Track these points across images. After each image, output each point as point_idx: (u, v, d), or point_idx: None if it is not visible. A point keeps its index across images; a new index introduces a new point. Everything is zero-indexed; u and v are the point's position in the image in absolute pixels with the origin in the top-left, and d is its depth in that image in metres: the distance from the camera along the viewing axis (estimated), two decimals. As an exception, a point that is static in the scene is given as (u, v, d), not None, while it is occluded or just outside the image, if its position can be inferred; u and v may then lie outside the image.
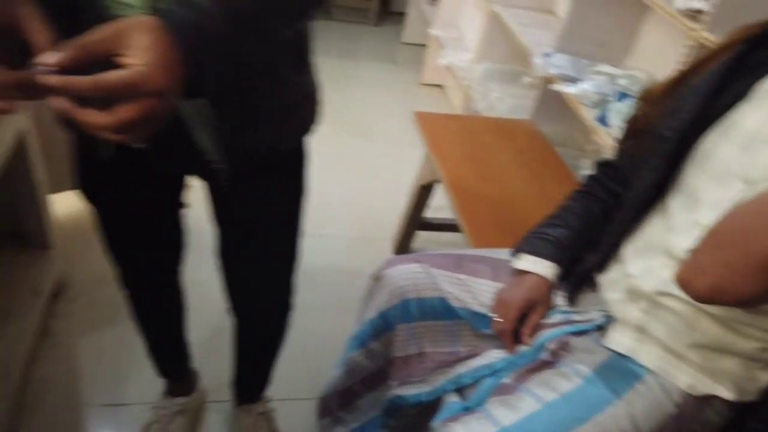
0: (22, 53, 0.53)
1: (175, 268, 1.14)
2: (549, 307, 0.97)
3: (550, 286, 0.97)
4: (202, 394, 1.43)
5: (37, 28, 0.52)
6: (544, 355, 0.91)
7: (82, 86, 0.49)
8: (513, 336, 0.96)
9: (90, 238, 1.80)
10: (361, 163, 2.51)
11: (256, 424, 1.36)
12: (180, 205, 1.03)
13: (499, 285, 1.03)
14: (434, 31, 2.94)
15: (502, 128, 1.73)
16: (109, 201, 0.96)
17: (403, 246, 2.00)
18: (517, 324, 0.96)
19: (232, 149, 0.80)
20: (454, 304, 1.03)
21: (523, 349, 0.95)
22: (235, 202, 0.95)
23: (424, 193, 1.82)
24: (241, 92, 0.76)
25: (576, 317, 0.93)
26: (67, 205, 1.82)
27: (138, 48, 0.50)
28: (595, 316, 0.91)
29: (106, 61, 0.51)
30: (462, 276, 1.06)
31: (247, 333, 1.23)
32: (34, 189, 1.36)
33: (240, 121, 0.79)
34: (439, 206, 2.04)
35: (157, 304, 1.21)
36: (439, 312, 1.04)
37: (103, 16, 0.62)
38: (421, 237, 2.04)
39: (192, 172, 0.93)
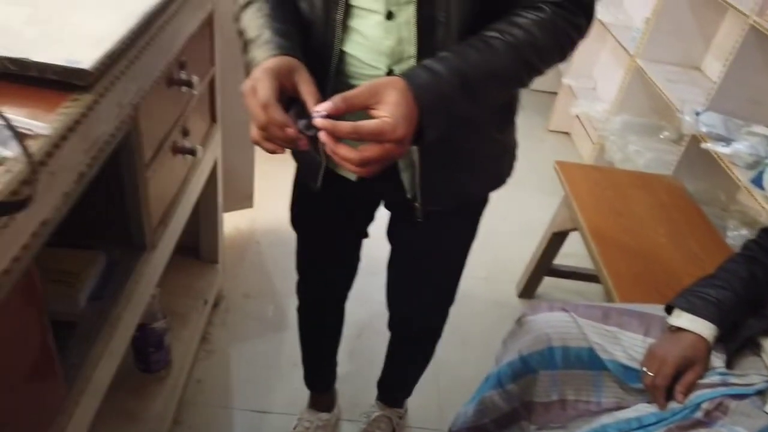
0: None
1: (346, 293, 1.27)
2: (706, 368, 0.96)
3: (708, 347, 0.96)
4: (340, 411, 1.54)
5: (308, 89, 0.68)
6: (698, 415, 0.91)
7: (343, 129, 0.64)
8: (665, 393, 0.97)
9: (242, 256, 2.00)
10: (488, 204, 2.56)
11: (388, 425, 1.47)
12: (365, 235, 1.15)
13: (650, 340, 1.04)
14: (567, 80, 2.96)
15: (645, 182, 1.72)
16: (310, 226, 1.13)
17: (528, 290, 2.02)
18: (671, 381, 0.96)
19: (433, 192, 0.90)
20: (602, 355, 1.04)
21: (674, 406, 0.95)
22: (417, 234, 1.04)
23: (556, 240, 1.84)
24: (451, 144, 0.85)
25: (735, 380, 0.92)
26: (226, 224, 2.05)
27: (388, 103, 0.64)
28: (756, 381, 0.90)
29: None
30: (610, 328, 1.07)
31: (399, 346, 1.33)
32: (215, 209, 1.56)
33: (444, 169, 0.89)
34: (564, 253, 2.04)
35: (323, 322, 1.34)
36: (585, 362, 1.06)
37: (347, 83, 0.79)
38: (544, 283, 2.05)
39: (388, 206, 1.05)
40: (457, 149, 0.88)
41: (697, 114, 1.74)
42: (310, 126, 0.66)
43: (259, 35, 0.75)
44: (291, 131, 0.66)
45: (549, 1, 0.75)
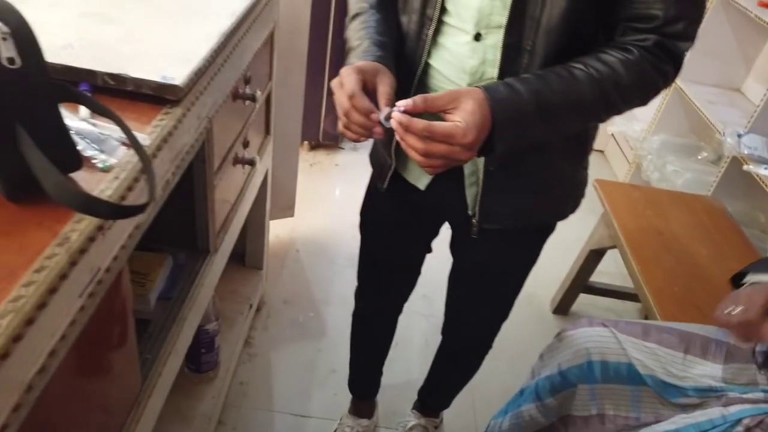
0: None
1: (402, 305, 1.32)
2: None
3: None
4: (377, 418, 1.58)
5: (384, 89, 0.74)
6: (739, 429, 0.93)
7: (418, 126, 0.68)
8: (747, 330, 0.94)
9: (282, 263, 2.06)
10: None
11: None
12: (428, 249, 1.20)
13: (690, 358, 1.06)
14: (603, 99, 2.98)
15: (685, 201, 1.74)
16: (376, 232, 1.16)
17: (563, 306, 2.04)
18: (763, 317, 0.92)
19: (491, 210, 0.94)
20: (641, 370, 1.07)
21: (715, 417, 0.97)
22: (476, 251, 1.07)
23: (593, 257, 1.86)
24: (517, 167, 0.90)
25: (780, 399, 0.94)
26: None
27: (464, 110, 0.69)
28: (802, 402, 0.91)
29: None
30: (650, 344, 1.10)
31: (448, 354, 1.37)
32: (263, 217, 1.62)
33: (506, 191, 0.92)
34: (598, 271, 2.06)
35: (376, 331, 1.38)
36: (624, 377, 1.09)
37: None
38: (579, 299, 2.06)
39: (449, 219, 1.08)
40: (523, 173, 0.91)
41: (739, 136, 1.75)
42: (388, 119, 0.71)
43: (359, 44, 0.82)
44: (374, 116, 0.72)
45: (638, 44, 0.76)
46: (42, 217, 0.57)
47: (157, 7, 0.98)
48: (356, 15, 0.88)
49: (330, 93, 2.52)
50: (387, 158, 1.00)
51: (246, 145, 1.24)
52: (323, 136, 2.60)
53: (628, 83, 0.76)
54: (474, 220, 0.96)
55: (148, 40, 0.87)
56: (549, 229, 1.06)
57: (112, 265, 0.66)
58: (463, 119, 0.68)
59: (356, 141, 0.77)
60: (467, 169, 0.92)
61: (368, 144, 2.93)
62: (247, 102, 1.17)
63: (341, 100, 0.74)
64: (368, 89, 0.75)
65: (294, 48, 1.73)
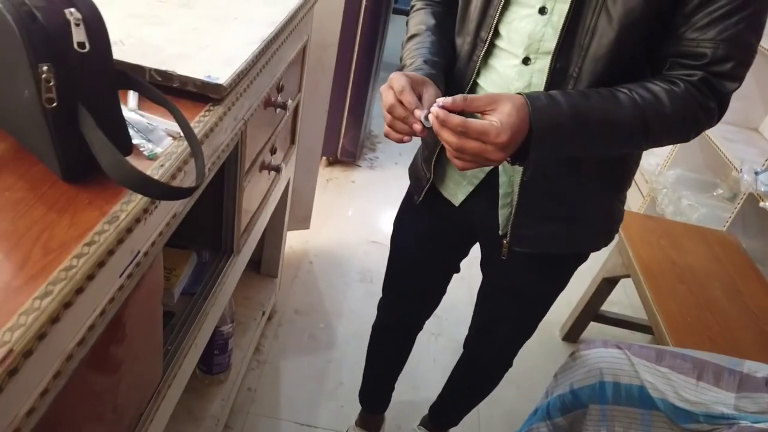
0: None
1: (423, 322, 1.34)
2: None
3: None
4: (384, 432, 1.58)
5: (428, 98, 0.76)
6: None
7: (454, 121, 0.70)
8: None
9: (295, 273, 2.08)
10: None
11: None
12: (456, 268, 1.21)
13: (703, 384, 1.06)
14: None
15: (700, 235, 1.75)
16: (406, 244, 1.17)
17: (572, 334, 2.03)
18: None
19: (523, 233, 0.95)
20: (653, 394, 1.07)
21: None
22: (505, 272, 1.08)
23: (606, 285, 1.87)
24: (553, 194, 0.91)
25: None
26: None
27: (501, 112, 0.70)
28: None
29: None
30: (663, 369, 1.10)
31: (468, 367, 1.37)
32: (281, 225, 1.65)
33: (540, 216, 0.93)
34: (609, 301, 2.06)
35: (395, 345, 1.40)
36: (636, 399, 1.09)
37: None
38: (589, 328, 2.06)
39: (481, 238, 1.09)
40: (560, 201, 0.92)
41: (756, 173, 1.77)
42: (428, 118, 0.74)
43: (412, 63, 0.86)
44: (417, 113, 0.74)
45: (685, 79, 0.76)
46: (92, 197, 0.60)
47: (203, 14, 1.03)
48: (413, 36, 0.93)
49: (351, 110, 2.57)
50: (426, 172, 1.02)
51: (273, 151, 1.27)
52: (342, 153, 2.64)
53: (670, 113, 0.76)
54: (505, 241, 0.97)
55: (193, 42, 0.91)
56: (581, 258, 1.07)
57: (150, 249, 0.69)
58: (498, 120, 0.70)
59: (399, 141, 0.79)
60: (502, 189, 0.94)
61: (384, 163, 3.00)
62: (278, 110, 1.21)
63: (388, 99, 0.76)
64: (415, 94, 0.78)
65: (322, 63, 1.78)
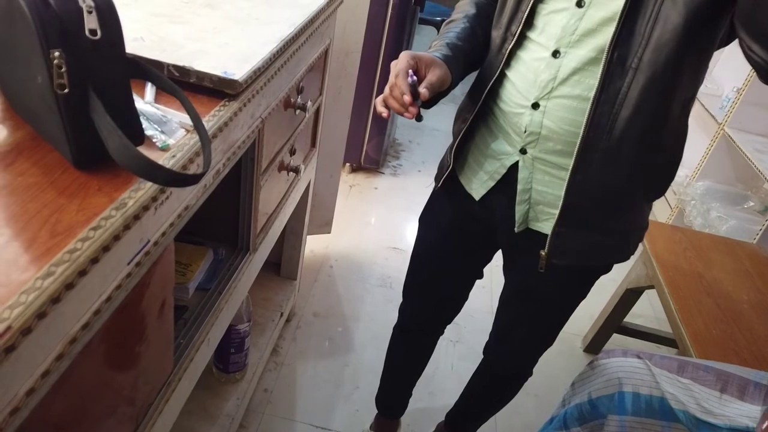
0: None
1: (443, 327, 1.32)
2: None
3: None
4: (399, 440, 1.56)
5: (429, 78, 0.83)
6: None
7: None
8: None
9: (315, 277, 2.09)
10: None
11: None
12: (479, 274, 1.20)
13: (726, 397, 1.02)
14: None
15: (728, 247, 1.70)
16: (431, 240, 1.16)
17: (594, 345, 1.99)
18: None
19: (564, 245, 0.93)
20: (675, 405, 1.04)
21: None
22: (528, 280, 1.07)
23: (629, 296, 1.82)
24: (602, 203, 0.90)
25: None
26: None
27: None
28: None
29: None
30: (685, 380, 1.07)
31: (486, 374, 1.35)
32: (301, 228, 1.65)
33: (583, 226, 0.92)
34: (633, 314, 2.01)
35: (414, 349, 1.38)
36: (656, 411, 1.06)
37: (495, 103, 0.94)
38: (612, 340, 2.01)
39: (500, 238, 1.07)
40: (605, 208, 0.90)
41: (788, 184, 1.71)
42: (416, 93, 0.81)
43: (435, 44, 0.92)
44: (407, 98, 0.80)
45: None
46: (102, 184, 0.61)
47: (225, 14, 1.04)
48: (450, 22, 0.97)
49: (375, 118, 2.58)
50: (449, 159, 1.04)
51: (293, 153, 1.28)
52: (365, 160, 2.65)
53: None
54: (543, 252, 0.95)
55: (213, 41, 0.93)
56: (606, 269, 1.05)
57: (160, 240, 0.70)
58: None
59: (381, 114, 0.84)
60: (521, 185, 0.93)
61: (407, 171, 3.02)
62: (298, 111, 1.22)
63: (390, 77, 0.83)
64: (420, 76, 0.83)
65: (346, 69, 1.79)
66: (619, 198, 0.90)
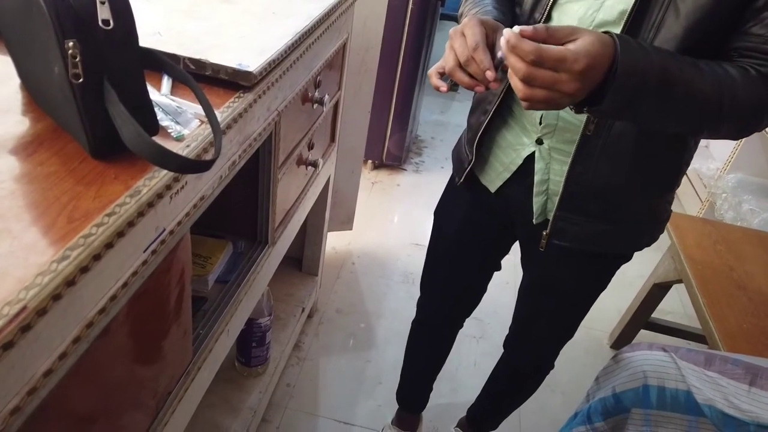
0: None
1: (462, 320, 1.32)
2: None
3: None
4: (420, 433, 1.56)
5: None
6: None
7: (526, 47, 0.63)
8: None
9: (338, 274, 2.10)
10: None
11: None
12: (496, 266, 1.19)
13: (756, 390, 0.99)
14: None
15: (761, 240, 1.65)
16: (448, 232, 1.16)
17: (621, 341, 1.95)
18: None
19: (564, 226, 0.93)
20: (700, 400, 1.02)
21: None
22: (548, 269, 1.06)
23: (657, 292, 1.79)
24: (601, 192, 0.89)
25: None
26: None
27: (582, 41, 0.63)
28: None
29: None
30: (712, 374, 1.04)
31: (507, 366, 1.34)
32: (322, 224, 1.66)
33: (584, 210, 0.91)
34: (662, 310, 1.97)
35: (433, 342, 1.37)
36: (681, 405, 1.03)
37: None
38: (639, 336, 1.97)
39: (518, 231, 1.06)
40: (605, 198, 0.89)
41: (823, 174, 1.66)
42: (500, 64, 0.69)
43: (478, 10, 0.83)
44: (490, 74, 0.69)
45: (756, 67, 0.72)
46: (118, 172, 0.62)
47: (243, 9, 1.05)
48: None
49: (396, 115, 2.58)
50: (468, 154, 1.02)
51: (311, 147, 1.29)
52: (387, 157, 2.65)
53: (743, 98, 0.70)
54: (544, 232, 0.95)
55: (229, 35, 0.94)
56: (623, 258, 1.03)
57: (176, 229, 0.71)
58: (577, 46, 0.63)
59: (441, 89, 0.75)
60: (537, 176, 0.92)
61: (430, 167, 3.00)
62: (315, 105, 1.23)
63: (460, 50, 0.71)
64: (488, 43, 0.72)
65: (366, 65, 1.80)
66: (620, 190, 0.88)
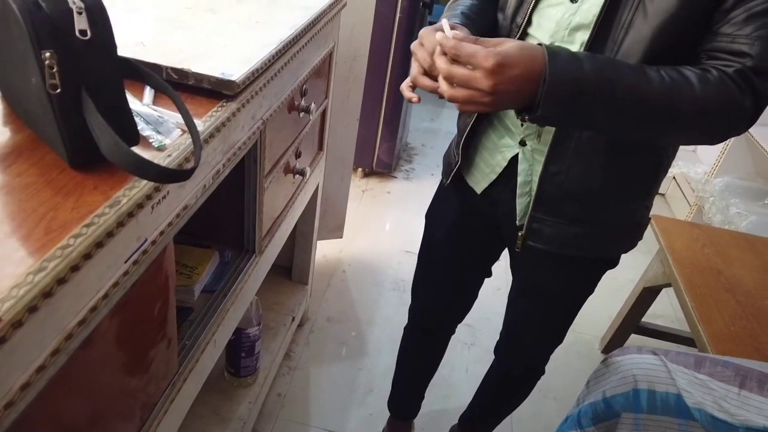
0: None
1: (454, 326, 1.31)
2: None
3: None
4: (412, 443, 1.55)
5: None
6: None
7: (448, 44, 0.68)
8: None
9: (328, 282, 2.09)
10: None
11: None
12: (486, 272, 1.19)
13: (746, 393, 1.00)
14: (665, 141, 2.91)
15: (748, 243, 1.66)
16: (438, 236, 1.16)
17: (612, 346, 1.95)
18: None
19: (539, 227, 0.93)
20: (690, 403, 1.02)
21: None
22: (533, 272, 1.06)
23: (647, 296, 1.79)
24: (579, 200, 0.89)
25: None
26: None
27: (502, 47, 0.67)
28: None
29: None
30: (702, 376, 1.04)
31: (498, 372, 1.34)
32: (311, 232, 1.66)
33: (562, 219, 0.91)
34: (653, 314, 1.97)
35: (425, 349, 1.37)
36: (671, 408, 1.03)
37: None
38: (630, 340, 1.98)
39: (504, 233, 1.05)
40: (579, 201, 0.90)
41: (808, 176, 1.67)
42: None
43: (450, 15, 0.88)
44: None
45: (720, 67, 0.71)
46: (98, 183, 0.62)
47: (228, 18, 1.05)
48: (455, 1, 0.94)
49: (386, 122, 2.58)
50: (455, 156, 1.03)
51: (298, 155, 1.29)
52: (377, 164, 2.65)
53: (701, 98, 0.70)
54: (520, 233, 0.95)
55: (213, 44, 0.94)
56: (606, 263, 1.02)
57: (159, 239, 0.70)
58: (499, 51, 0.66)
59: (412, 101, 0.81)
60: (521, 177, 0.93)
61: (420, 174, 3.01)
62: (302, 114, 1.22)
63: (423, 59, 0.75)
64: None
65: (354, 73, 1.80)
66: (595, 193, 0.88)
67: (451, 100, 0.71)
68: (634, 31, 0.74)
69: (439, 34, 0.70)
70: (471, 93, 0.68)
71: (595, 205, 0.91)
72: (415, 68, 0.78)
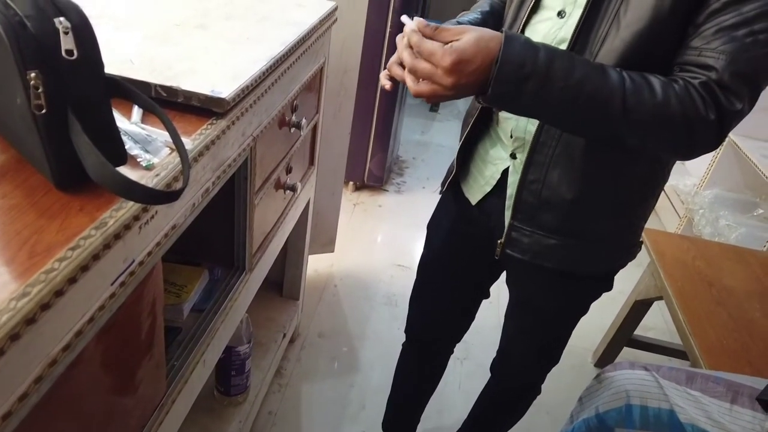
0: None
1: (452, 346, 1.31)
2: None
3: None
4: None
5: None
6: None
7: (412, 39, 0.71)
8: None
9: (320, 297, 2.08)
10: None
11: None
12: (485, 293, 1.19)
13: (737, 409, 0.99)
14: (654, 153, 2.93)
15: (738, 255, 1.66)
16: (437, 248, 1.15)
17: (605, 359, 1.95)
18: None
19: (517, 237, 0.94)
20: (683, 419, 1.01)
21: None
22: (527, 289, 1.06)
23: (639, 308, 1.79)
24: (553, 207, 0.89)
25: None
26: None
27: (460, 41, 0.69)
28: None
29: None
30: (694, 392, 1.04)
31: (493, 391, 1.32)
32: (302, 247, 1.65)
33: (540, 229, 0.91)
34: (645, 326, 1.97)
35: (422, 368, 1.36)
36: (664, 424, 1.03)
37: None
38: (623, 353, 1.97)
39: (494, 241, 1.03)
40: (558, 213, 0.89)
41: (796, 189, 1.68)
42: None
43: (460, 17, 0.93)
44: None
45: (686, 78, 0.71)
46: (84, 204, 0.61)
47: (217, 34, 1.05)
48: (462, 15, 0.97)
49: (377, 135, 2.58)
50: (454, 165, 1.05)
51: (289, 171, 1.28)
52: (368, 178, 2.65)
53: (660, 103, 0.69)
54: (499, 241, 0.96)
55: (202, 60, 0.93)
56: (597, 281, 1.01)
57: (146, 259, 0.69)
58: (451, 45, 0.68)
59: (386, 87, 0.83)
60: (510, 189, 0.93)
61: (412, 188, 3.00)
62: (293, 129, 1.22)
63: (399, 48, 0.76)
64: None
65: (345, 87, 1.80)
66: (573, 204, 0.88)
67: (417, 95, 0.73)
68: (608, 42, 0.76)
69: (407, 26, 0.72)
70: (434, 88, 0.71)
71: (573, 217, 0.89)
72: (393, 57, 0.79)
